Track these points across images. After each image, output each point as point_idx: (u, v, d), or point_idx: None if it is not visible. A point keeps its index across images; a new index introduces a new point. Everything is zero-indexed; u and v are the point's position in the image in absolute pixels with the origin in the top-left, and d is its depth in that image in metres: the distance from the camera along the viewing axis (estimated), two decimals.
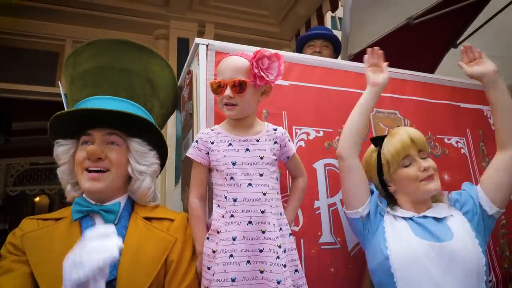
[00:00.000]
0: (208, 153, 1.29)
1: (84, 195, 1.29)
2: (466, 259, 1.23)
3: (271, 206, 1.23)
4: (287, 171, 1.47)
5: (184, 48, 3.61)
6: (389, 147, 1.38)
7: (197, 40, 1.55)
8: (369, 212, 1.36)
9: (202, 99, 1.47)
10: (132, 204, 1.33)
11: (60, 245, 1.15)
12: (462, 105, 2.02)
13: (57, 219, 1.26)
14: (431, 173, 1.35)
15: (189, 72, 1.63)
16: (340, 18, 3.50)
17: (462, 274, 1.21)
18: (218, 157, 1.27)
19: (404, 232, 1.31)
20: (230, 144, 1.28)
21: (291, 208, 1.38)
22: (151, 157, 1.37)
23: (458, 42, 3.12)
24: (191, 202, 1.30)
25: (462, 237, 1.27)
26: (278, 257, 1.16)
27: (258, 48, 1.28)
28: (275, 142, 1.32)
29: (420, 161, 1.36)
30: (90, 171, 1.25)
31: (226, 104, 1.27)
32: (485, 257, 1.26)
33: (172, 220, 1.30)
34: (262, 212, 1.20)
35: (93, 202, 1.26)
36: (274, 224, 1.21)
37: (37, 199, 7.42)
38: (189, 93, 1.59)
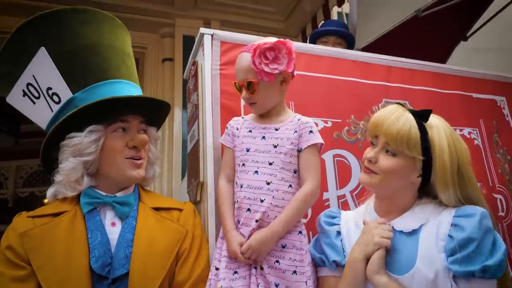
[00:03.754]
0: (233, 137, 1.30)
1: (91, 188, 1.21)
2: None
3: (273, 197, 1.17)
4: None
5: (189, 45, 3.52)
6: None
7: (202, 30, 1.53)
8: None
9: (208, 90, 1.45)
10: (138, 193, 1.29)
11: (64, 243, 1.09)
12: (475, 95, 1.97)
13: (55, 215, 1.16)
14: (366, 165, 1.14)
15: (194, 63, 1.60)
16: (347, 14, 3.46)
17: None
18: (236, 143, 1.28)
19: None
20: (250, 131, 1.28)
21: (281, 218, 1.15)
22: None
23: (468, 34, 3.06)
24: (219, 184, 1.30)
25: (427, 262, 1.01)
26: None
27: (263, 40, 1.26)
28: (295, 132, 1.25)
29: (370, 148, 1.14)
30: (134, 159, 1.23)
31: (248, 103, 1.29)
32: (453, 283, 0.98)
33: (180, 210, 1.29)
34: (261, 201, 1.17)
35: (103, 194, 1.21)
36: (275, 217, 1.16)
37: (46, 200, 7.48)
38: (195, 84, 1.56)
